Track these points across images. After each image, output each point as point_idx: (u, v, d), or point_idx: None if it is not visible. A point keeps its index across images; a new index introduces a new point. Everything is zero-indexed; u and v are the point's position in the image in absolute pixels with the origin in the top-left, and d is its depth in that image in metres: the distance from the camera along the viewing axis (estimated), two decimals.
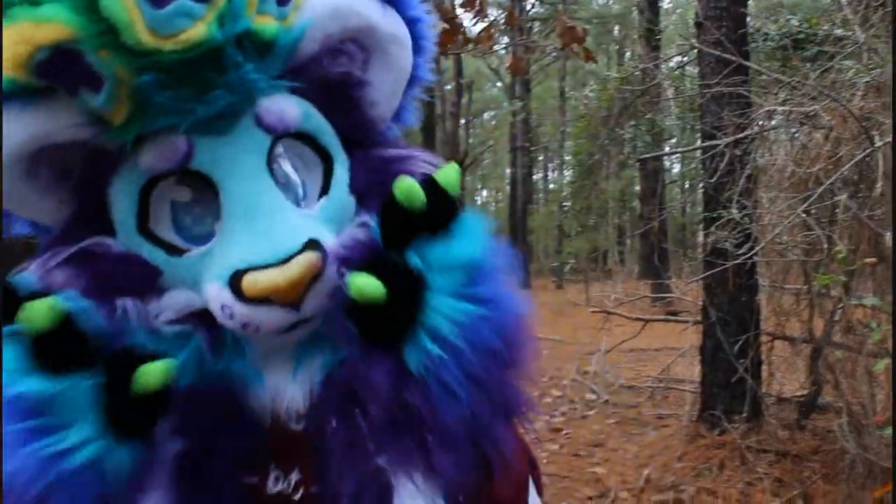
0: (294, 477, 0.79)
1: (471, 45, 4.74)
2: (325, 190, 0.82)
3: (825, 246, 2.88)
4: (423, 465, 0.74)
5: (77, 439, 0.67)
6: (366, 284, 0.72)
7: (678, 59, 7.12)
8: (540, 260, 27.31)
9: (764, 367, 5.46)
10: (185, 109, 0.71)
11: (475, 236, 0.78)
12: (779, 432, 5.25)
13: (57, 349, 0.68)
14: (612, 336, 9.59)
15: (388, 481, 0.74)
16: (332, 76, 0.83)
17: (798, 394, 5.63)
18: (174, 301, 0.77)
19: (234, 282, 0.72)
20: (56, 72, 0.67)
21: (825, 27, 4.88)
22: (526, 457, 0.94)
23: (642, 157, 7.46)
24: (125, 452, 0.70)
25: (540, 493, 0.97)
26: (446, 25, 4.19)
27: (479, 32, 4.58)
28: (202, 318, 0.76)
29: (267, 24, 0.73)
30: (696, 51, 5.48)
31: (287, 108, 0.77)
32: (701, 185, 5.12)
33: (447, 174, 0.77)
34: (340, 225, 0.81)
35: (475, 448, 0.77)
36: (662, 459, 5.34)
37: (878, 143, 2.54)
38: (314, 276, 0.73)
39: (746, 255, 3.34)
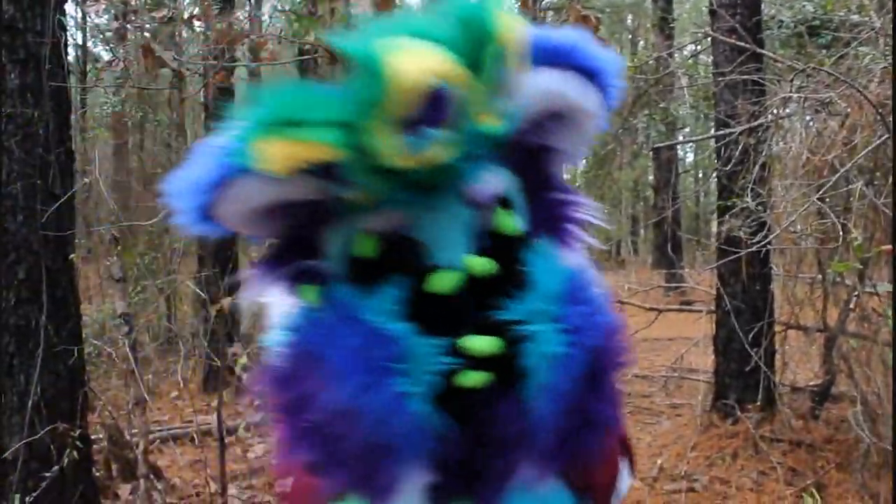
0: None
1: None
2: None
3: (840, 234, 2.85)
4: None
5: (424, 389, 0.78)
6: (479, 344, 0.83)
7: (692, 47, 7.08)
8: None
9: (777, 356, 5.44)
10: (419, 202, 0.81)
11: (554, 270, 0.87)
12: (792, 422, 5.24)
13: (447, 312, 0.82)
14: (626, 326, 9.58)
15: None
16: (532, 146, 0.90)
17: (812, 383, 5.62)
18: None
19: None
20: (313, 173, 0.76)
21: (841, 13, 4.83)
22: (619, 448, 1.02)
23: (656, 146, 7.44)
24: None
25: (633, 472, 1.06)
26: None
27: None
28: None
29: (493, 125, 0.79)
30: (709, 39, 5.44)
31: (488, 182, 0.84)
32: (714, 174, 5.09)
33: (506, 222, 0.87)
34: None
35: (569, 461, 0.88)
36: (675, 449, 5.34)
37: None
38: None
39: (760, 244, 3.32)
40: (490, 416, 0.84)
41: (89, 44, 13.09)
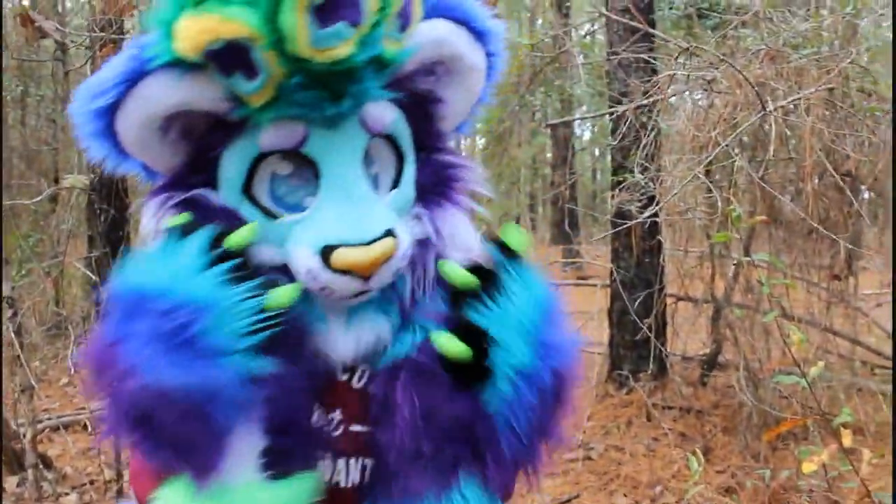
0: (336, 416, 0.97)
1: None
2: (395, 183, 0.99)
3: (723, 207, 2.98)
4: (477, 471, 0.94)
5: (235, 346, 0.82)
6: (451, 346, 0.91)
7: (588, 26, 7.21)
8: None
9: (668, 327, 5.65)
10: (316, 106, 0.86)
11: (535, 292, 0.96)
12: (682, 389, 5.47)
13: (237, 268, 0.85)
14: None
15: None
16: (419, 90, 0.99)
17: (700, 352, 5.87)
18: (260, 255, 0.91)
19: (325, 254, 0.89)
20: (221, 58, 0.83)
21: None
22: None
23: (551, 122, 7.57)
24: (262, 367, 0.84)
25: None
26: None
27: None
28: (280, 271, 0.92)
29: (392, 48, 0.88)
30: (604, 19, 5.55)
31: (386, 114, 0.94)
32: (609, 150, 5.23)
33: (514, 237, 0.97)
34: (402, 214, 0.98)
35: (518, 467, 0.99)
36: (572, 420, 5.47)
37: (770, 108, 2.64)
38: (387, 258, 0.90)
39: (648, 217, 3.43)
40: (433, 405, 0.91)
41: None
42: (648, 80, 4.05)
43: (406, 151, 0.99)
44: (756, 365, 4.47)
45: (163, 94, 0.86)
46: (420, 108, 1.00)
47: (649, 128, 3.67)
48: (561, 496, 4.29)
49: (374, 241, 0.89)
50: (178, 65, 0.84)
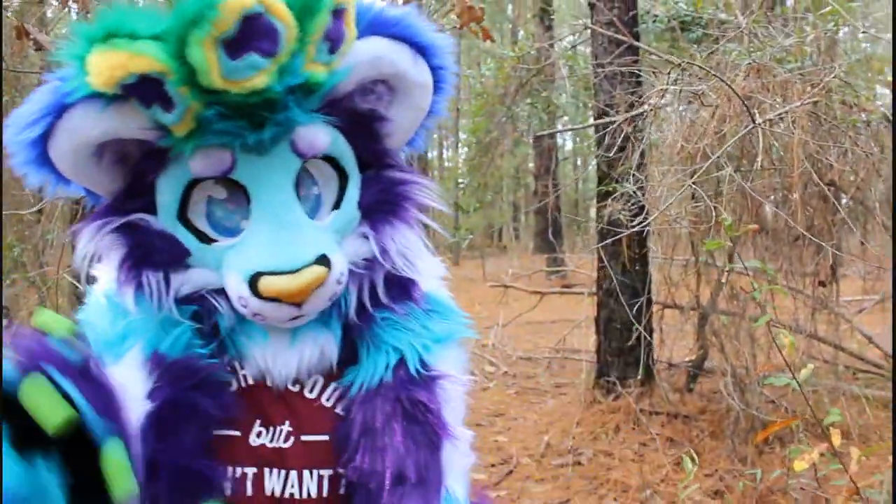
0: (285, 428, 0.96)
1: None
2: (337, 204, 0.99)
3: (713, 216, 3.07)
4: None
5: None
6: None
7: (572, 38, 7.31)
8: (435, 236, 27.51)
9: (655, 334, 5.74)
10: (237, 134, 0.88)
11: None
12: (669, 395, 5.55)
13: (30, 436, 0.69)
14: (509, 310, 9.82)
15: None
16: (360, 110, 0.99)
17: (687, 359, 5.96)
18: (196, 278, 0.94)
19: (253, 281, 0.90)
20: (138, 91, 0.83)
21: (710, 10, 5.12)
22: None
23: (539, 133, 7.66)
24: None
25: None
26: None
27: None
28: (216, 295, 0.94)
29: (318, 72, 0.88)
30: (589, 31, 5.65)
31: (319, 136, 0.93)
32: (595, 161, 5.31)
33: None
34: (345, 234, 0.99)
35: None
36: (561, 425, 5.55)
37: (759, 120, 2.73)
38: (318, 285, 0.90)
39: (637, 227, 3.51)
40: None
41: None
42: (634, 92, 4.14)
43: (349, 171, 0.99)
44: (742, 371, 4.56)
45: (87, 125, 0.87)
46: (362, 127, 0.99)
47: (637, 139, 3.76)
48: (551, 501, 4.35)
49: (304, 267, 0.89)
50: (100, 96, 0.85)
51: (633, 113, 3.65)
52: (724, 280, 4.70)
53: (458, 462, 1.01)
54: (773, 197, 3.36)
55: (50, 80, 0.89)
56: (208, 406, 0.91)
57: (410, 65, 0.98)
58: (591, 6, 5.53)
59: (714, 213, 3.12)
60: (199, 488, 0.89)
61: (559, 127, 8.76)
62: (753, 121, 2.73)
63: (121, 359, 0.91)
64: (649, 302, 5.52)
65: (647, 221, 3.47)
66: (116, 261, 0.94)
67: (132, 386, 0.87)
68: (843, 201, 3.46)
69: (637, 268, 5.38)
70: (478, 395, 7.06)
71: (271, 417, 0.98)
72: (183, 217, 0.94)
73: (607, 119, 3.90)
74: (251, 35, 0.79)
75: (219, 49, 0.79)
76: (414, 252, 1.05)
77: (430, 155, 30.64)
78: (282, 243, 0.90)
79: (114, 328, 0.95)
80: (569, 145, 24.07)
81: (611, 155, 4.19)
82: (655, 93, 3.45)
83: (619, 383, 5.53)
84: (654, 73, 4.93)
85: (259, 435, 0.97)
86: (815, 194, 3.19)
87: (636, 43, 5.08)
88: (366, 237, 1.00)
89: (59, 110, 0.87)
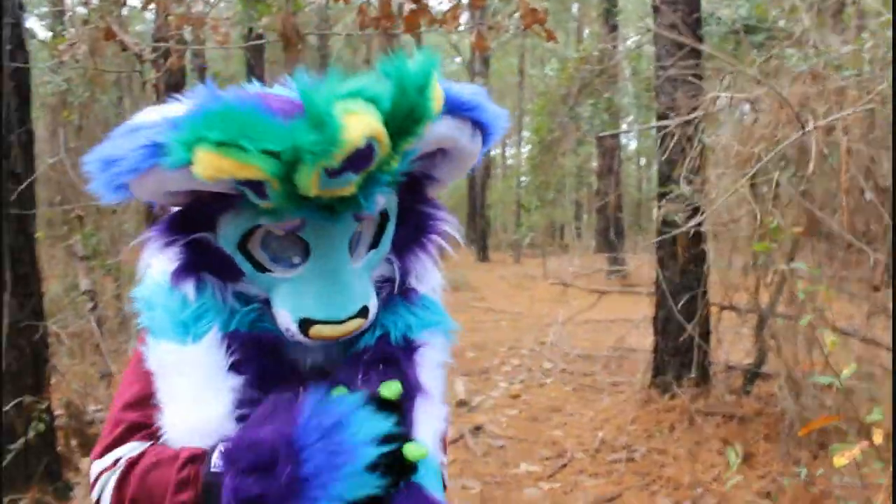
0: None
1: (436, 25, 4.88)
2: (375, 243, 1.12)
3: (769, 220, 3.11)
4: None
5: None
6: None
7: (636, 39, 7.33)
8: (498, 234, 27.58)
9: (712, 335, 5.75)
10: (314, 216, 0.99)
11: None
12: (725, 397, 5.56)
13: None
14: (569, 308, 9.86)
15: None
16: (416, 172, 1.11)
17: (745, 361, 5.94)
18: (250, 289, 1.08)
19: (302, 324, 1.04)
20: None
21: (774, 12, 5.11)
22: None
23: (600, 134, 7.69)
24: None
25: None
26: (414, 6, 4.31)
27: (445, 13, 4.71)
28: (267, 304, 1.08)
29: (394, 163, 0.98)
30: (652, 32, 5.68)
31: (381, 203, 1.06)
32: (654, 161, 5.35)
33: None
34: (376, 267, 1.14)
35: None
36: (616, 422, 5.62)
37: (809, 128, 2.77)
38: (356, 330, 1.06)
39: (688, 228, 3.56)
40: None
41: (30, 24, 12.83)
42: (695, 95, 4.18)
43: (391, 214, 1.12)
44: (799, 374, 4.55)
45: (177, 181, 0.94)
46: (414, 184, 1.12)
47: (695, 142, 3.81)
48: (603, 495, 4.43)
49: (348, 319, 1.03)
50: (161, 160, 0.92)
51: (687, 117, 3.70)
52: (779, 284, 4.71)
53: (430, 421, 1.10)
54: (828, 202, 3.36)
55: (144, 133, 0.95)
56: (280, 372, 1.07)
57: (468, 141, 1.09)
58: (655, 9, 5.56)
59: (768, 217, 3.16)
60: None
61: (623, 127, 8.77)
62: (803, 127, 2.78)
63: (199, 337, 1.04)
64: (706, 303, 5.54)
65: (699, 221, 3.51)
66: (178, 265, 1.06)
67: (216, 360, 1.03)
68: None
69: (695, 268, 5.40)
70: (535, 392, 7.16)
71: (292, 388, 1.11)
72: (243, 248, 1.04)
73: (663, 122, 3.94)
74: (353, 160, 0.89)
75: (322, 172, 0.89)
76: (428, 275, 1.22)
77: (493, 152, 30.74)
78: (332, 297, 1.03)
79: (184, 310, 1.06)
80: (633, 145, 23.86)
81: (667, 157, 4.24)
82: (710, 98, 3.49)
83: (675, 383, 5.56)
84: (714, 75, 4.94)
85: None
86: (869, 200, 3.19)
87: (698, 46, 5.10)
88: (390, 262, 1.17)
89: (152, 164, 0.93)
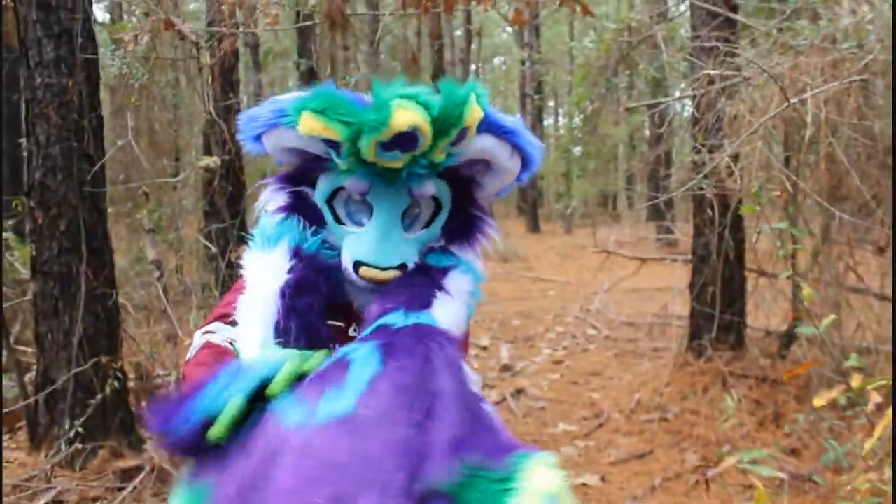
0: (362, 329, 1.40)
1: (474, 3, 5.08)
2: (429, 223, 1.45)
3: (753, 185, 3.27)
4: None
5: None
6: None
7: (673, 7, 7.39)
8: (550, 204, 27.60)
9: (749, 300, 5.88)
10: (375, 179, 1.36)
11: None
12: (760, 361, 5.70)
13: None
14: (614, 277, 10.03)
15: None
16: (463, 175, 1.46)
17: (781, 327, 6.06)
18: (328, 237, 1.43)
19: (356, 265, 1.37)
20: (325, 140, 1.32)
21: None
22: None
23: (628, 106, 7.80)
24: None
25: None
26: None
27: None
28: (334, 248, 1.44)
29: (441, 157, 1.35)
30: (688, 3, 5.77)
31: (428, 188, 1.39)
32: (693, 130, 5.48)
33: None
34: (426, 244, 1.46)
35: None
36: (653, 385, 5.81)
37: (794, 100, 2.92)
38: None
39: (720, 194, 3.73)
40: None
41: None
42: (723, 63, 4.30)
43: (444, 205, 1.44)
44: (830, 339, 4.67)
45: (289, 138, 1.36)
46: (463, 184, 1.46)
47: (715, 112, 3.95)
48: (635, 451, 4.66)
49: (389, 268, 1.36)
50: (286, 123, 1.34)
51: (692, 92, 3.85)
52: (816, 253, 4.83)
53: (449, 314, 1.38)
54: (852, 168, 3.48)
55: (272, 101, 1.39)
56: (325, 286, 1.39)
57: (507, 158, 1.43)
58: None
59: (753, 183, 3.33)
60: (317, 340, 1.33)
61: (661, 98, 8.83)
62: (787, 99, 2.93)
63: (276, 247, 1.38)
64: (742, 269, 5.67)
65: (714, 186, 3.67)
66: (283, 205, 1.44)
67: (281, 264, 1.37)
68: None
69: (731, 236, 5.53)
70: (577, 357, 7.39)
71: (359, 322, 1.44)
72: (329, 203, 1.41)
73: (685, 94, 4.09)
74: (400, 141, 1.25)
75: (377, 144, 1.25)
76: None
77: (546, 122, 30.68)
78: (381, 249, 1.37)
79: (274, 229, 1.41)
80: (686, 112, 23.54)
81: (699, 126, 4.38)
82: (703, 76, 3.64)
83: (711, 347, 5.71)
84: (751, 46, 5.04)
85: (355, 330, 1.45)
86: (876, 164, 3.32)
87: (732, 15, 5.20)
88: (441, 249, 1.49)
89: (275, 124, 1.36)
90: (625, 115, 15.67)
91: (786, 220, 3.85)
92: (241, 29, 5.28)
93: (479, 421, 1.18)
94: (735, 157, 4.28)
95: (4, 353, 4.26)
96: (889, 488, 2.30)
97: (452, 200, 1.45)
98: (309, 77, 12.52)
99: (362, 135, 1.24)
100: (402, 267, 1.38)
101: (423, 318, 1.33)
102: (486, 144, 1.39)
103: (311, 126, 1.28)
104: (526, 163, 1.47)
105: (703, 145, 4.89)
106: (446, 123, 1.28)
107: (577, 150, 13.43)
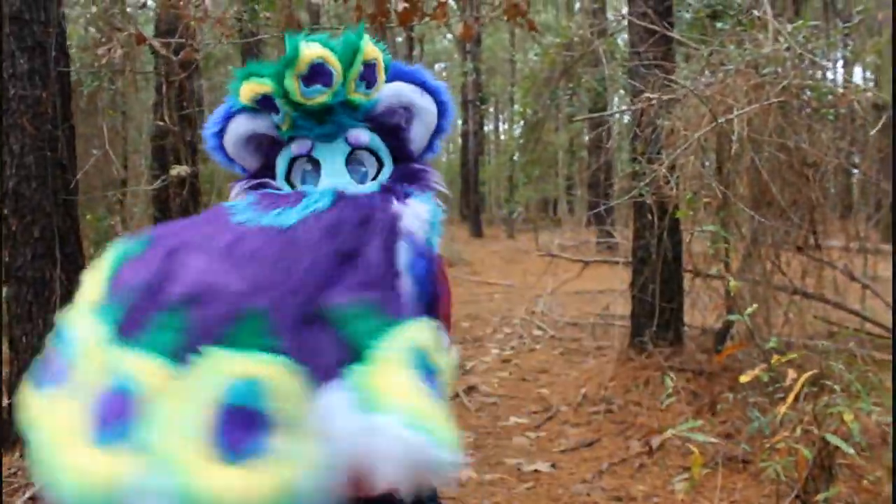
0: None
1: (426, 19, 5.36)
2: (375, 178, 1.59)
3: (687, 193, 3.62)
4: None
5: None
6: None
7: (613, 23, 7.79)
8: (492, 210, 28.03)
9: (686, 299, 6.26)
10: (312, 129, 1.55)
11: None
12: (697, 356, 6.09)
13: None
14: (558, 279, 10.39)
15: None
16: (390, 124, 1.62)
17: (716, 325, 6.46)
18: None
19: None
20: (262, 103, 1.53)
21: (738, 0, 5.57)
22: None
23: (575, 119, 8.18)
24: None
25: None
26: (406, 5, 4.76)
27: (435, 8, 5.18)
28: None
29: (357, 97, 1.55)
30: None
31: (361, 135, 1.58)
32: (630, 141, 5.84)
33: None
34: None
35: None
36: (598, 380, 6.15)
37: (721, 120, 3.28)
38: None
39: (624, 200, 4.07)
40: None
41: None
42: (659, 81, 4.66)
43: (384, 160, 1.60)
44: (756, 328, 5.06)
45: (242, 125, 1.58)
46: (391, 134, 1.61)
47: (653, 124, 4.31)
48: (584, 440, 4.98)
49: None
50: (249, 110, 1.56)
51: (632, 108, 4.21)
52: (748, 253, 5.23)
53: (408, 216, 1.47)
54: (774, 178, 3.87)
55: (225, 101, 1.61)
56: None
57: (419, 97, 1.62)
58: None
59: (686, 192, 3.69)
60: None
61: (610, 107, 9.25)
62: (715, 119, 3.30)
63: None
64: (679, 270, 6.06)
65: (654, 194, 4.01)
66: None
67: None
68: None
69: (669, 239, 5.90)
70: (525, 356, 7.70)
71: None
72: (288, 180, 1.59)
73: (621, 109, 4.42)
74: (316, 75, 1.46)
75: (299, 81, 1.45)
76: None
77: (486, 128, 31.17)
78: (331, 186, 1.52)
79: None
80: (625, 120, 24.19)
81: (643, 136, 4.73)
82: (643, 100, 4.00)
83: (652, 343, 6.08)
84: (685, 61, 5.42)
85: None
86: (797, 175, 3.70)
87: (668, 32, 5.58)
88: None
89: (228, 118, 1.59)
90: (565, 123, 16.14)
91: (718, 223, 4.23)
92: (199, 41, 5.45)
93: (391, 286, 1.30)
94: (672, 168, 4.65)
95: None
96: (801, 446, 2.66)
97: (392, 154, 1.61)
98: None
99: (284, 77, 1.45)
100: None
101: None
102: (397, 88, 1.59)
103: (247, 90, 1.50)
104: (440, 106, 1.65)
105: (641, 154, 5.25)
106: (347, 53, 1.48)
107: (516, 156, 13.82)
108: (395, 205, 1.45)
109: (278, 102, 1.49)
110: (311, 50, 1.45)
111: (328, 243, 1.30)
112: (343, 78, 1.49)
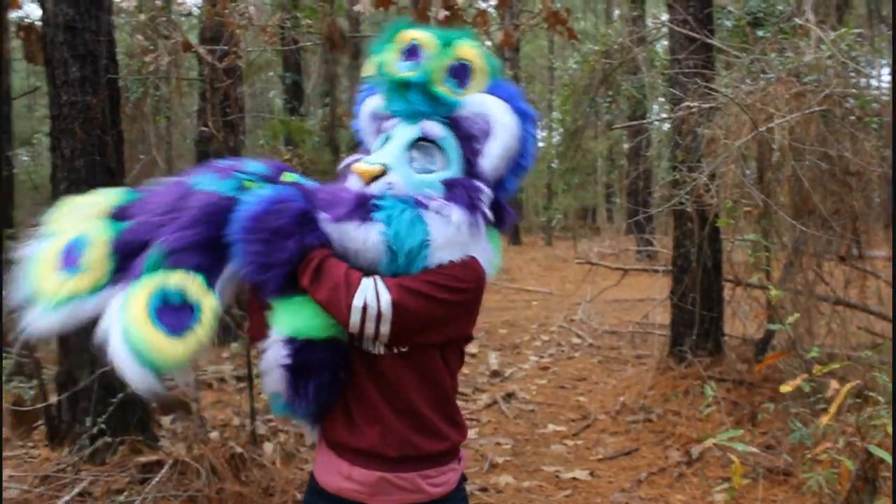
0: None
1: (467, 28, 5.40)
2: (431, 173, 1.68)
3: (727, 202, 3.59)
4: None
5: None
6: None
7: (653, 30, 7.75)
8: (530, 217, 27.98)
9: (726, 308, 6.20)
10: (397, 105, 1.67)
11: None
12: (737, 366, 6.02)
13: None
14: (597, 287, 10.35)
15: None
16: (467, 131, 1.66)
17: (757, 336, 6.39)
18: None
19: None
20: (378, 81, 1.72)
21: (780, 7, 5.53)
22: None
23: (614, 127, 8.15)
24: None
25: None
26: (447, 13, 4.81)
27: (476, 17, 5.21)
28: None
29: (442, 90, 1.63)
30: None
31: (436, 129, 1.65)
32: (671, 150, 5.80)
33: None
34: (426, 188, 1.64)
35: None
36: (637, 389, 6.11)
37: (762, 128, 3.25)
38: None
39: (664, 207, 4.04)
40: None
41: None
42: (700, 89, 4.63)
43: (451, 160, 1.64)
44: (798, 337, 5.00)
45: (369, 105, 1.75)
46: (466, 139, 1.64)
47: (689, 133, 4.29)
48: (622, 449, 4.95)
49: (376, 163, 1.60)
50: (374, 92, 1.73)
51: (672, 116, 4.18)
52: (790, 262, 5.16)
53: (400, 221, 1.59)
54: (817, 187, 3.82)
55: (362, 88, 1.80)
56: None
57: (503, 115, 1.62)
58: (669, 6, 6.00)
59: (726, 200, 3.65)
60: None
61: (650, 114, 9.20)
62: (756, 127, 3.27)
63: None
64: (719, 279, 6.00)
65: (695, 203, 3.98)
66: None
67: None
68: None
69: (709, 248, 5.85)
70: (563, 364, 7.69)
71: None
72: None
73: (662, 117, 4.41)
74: (412, 54, 1.62)
75: (398, 55, 1.64)
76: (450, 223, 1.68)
77: None
78: (378, 154, 1.65)
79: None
80: (665, 127, 23.99)
81: (678, 145, 4.71)
82: (683, 108, 3.98)
83: (691, 353, 6.02)
84: (727, 68, 5.38)
85: None
86: (840, 184, 3.65)
87: (708, 40, 5.55)
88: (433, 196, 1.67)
89: (364, 98, 1.77)
90: (604, 131, 16.08)
91: (759, 232, 4.19)
92: (242, 47, 5.55)
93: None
94: (712, 176, 4.62)
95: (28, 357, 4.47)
96: (844, 458, 2.62)
97: (461, 164, 1.64)
98: (294, 90, 12.82)
99: (385, 52, 1.65)
100: (386, 172, 1.58)
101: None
102: (489, 101, 1.62)
103: (372, 64, 1.68)
104: (524, 134, 1.65)
105: (682, 162, 5.22)
106: (444, 40, 1.62)
107: (554, 164, 13.80)
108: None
109: (378, 75, 1.66)
110: (412, 32, 1.64)
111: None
112: (433, 64, 1.60)
